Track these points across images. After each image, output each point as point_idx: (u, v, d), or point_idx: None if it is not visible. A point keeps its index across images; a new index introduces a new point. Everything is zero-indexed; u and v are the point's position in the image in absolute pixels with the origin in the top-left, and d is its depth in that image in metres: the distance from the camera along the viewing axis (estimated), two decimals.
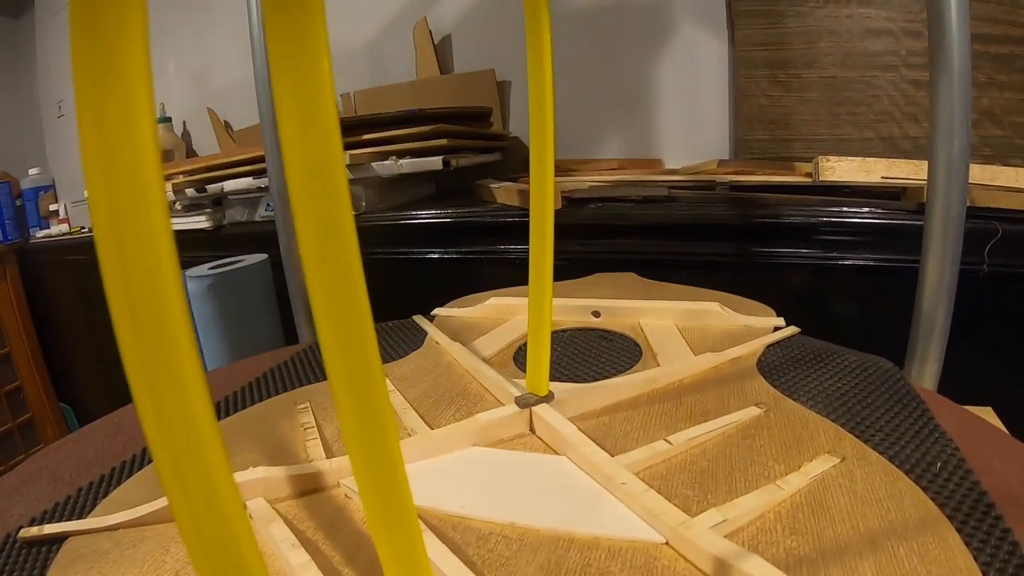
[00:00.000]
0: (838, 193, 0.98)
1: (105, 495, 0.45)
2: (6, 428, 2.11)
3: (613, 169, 1.31)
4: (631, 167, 1.34)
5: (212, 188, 1.41)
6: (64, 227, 2.25)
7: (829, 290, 0.95)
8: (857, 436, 0.43)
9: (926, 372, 0.66)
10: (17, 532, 0.41)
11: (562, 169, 1.29)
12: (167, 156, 2.07)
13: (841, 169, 0.94)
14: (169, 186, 1.49)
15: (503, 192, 1.16)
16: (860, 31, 1.19)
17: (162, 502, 0.40)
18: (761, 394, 0.50)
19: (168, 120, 2.10)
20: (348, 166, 1.15)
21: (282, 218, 0.92)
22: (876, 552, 0.32)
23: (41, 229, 2.30)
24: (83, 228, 2.19)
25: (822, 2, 1.20)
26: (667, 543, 0.34)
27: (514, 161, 1.51)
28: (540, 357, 0.47)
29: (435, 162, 1.14)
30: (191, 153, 2.18)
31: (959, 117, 0.60)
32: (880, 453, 0.41)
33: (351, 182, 1.21)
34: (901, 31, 1.17)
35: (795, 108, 1.23)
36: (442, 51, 1.57)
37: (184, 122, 2.20)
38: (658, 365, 0.56)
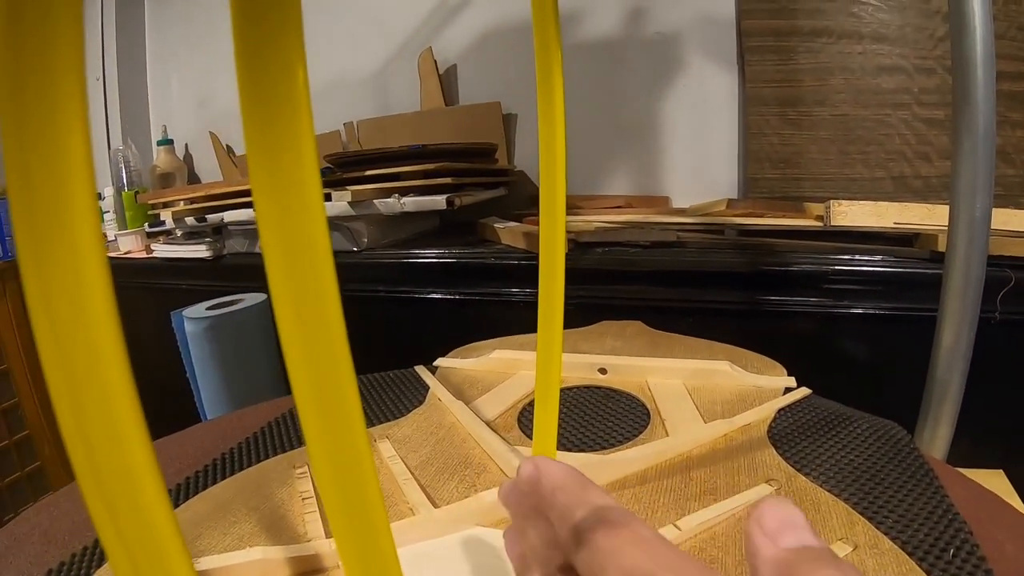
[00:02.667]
0: (849, 237, 0.97)
1: (100, 563, 0.44)
2: (3, 445, 2.10)
3: (619, 207, 1.30)
4: (638, 205, 1.33)
5: (212, 217, 1.40)
6: None
7: (838, 339, 0.94)
8: (870, 518, 0.42)
9: (938, 437, 0.65)
10: None
11: (568, 206, 1.28)
12: (168, 180, 2.06)
13: (853, 214, 0.93)
14: (169, 213, 1.48)
15: (508, 233, 1.15)
16: (872, 68, 1.18)
17: None
18: (772, 468, 0.49)
19: (170, 142, 2.09)
20: (350, 203, 1.14)
21: None
22: None
23: None
24: None
25: (834, 38, 1.19)
26: None
27: (519, 196, 1.51)
28: (548, 432, 0.45)
29: (439, 201, 1.13)
30: (192, 176, 2.18)
31: (982, 180, 0.59)
32: (893, 539, 0.40)
33: (352, 218, 1.19)
34: (914, 68, 1.16)
35: (805, 146, 1.23)
36: (447, 82, 1.57)
37: (186, 144, 2.19)
38: (666, 432, 0.55)
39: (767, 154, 1.27)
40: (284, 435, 0.63)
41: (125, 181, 2.00)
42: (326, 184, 1.12)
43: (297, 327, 0.20)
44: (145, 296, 1.73)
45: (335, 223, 1.17)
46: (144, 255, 1.75)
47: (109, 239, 1.98)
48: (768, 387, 0.63)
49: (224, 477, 0.54)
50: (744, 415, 0.57)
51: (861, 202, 0.94)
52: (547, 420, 0.45)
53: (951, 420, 0.64)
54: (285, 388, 0.79)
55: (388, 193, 1.15)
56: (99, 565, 0.44)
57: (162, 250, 1.60)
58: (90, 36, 2.19)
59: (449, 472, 0.51)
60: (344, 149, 1.54)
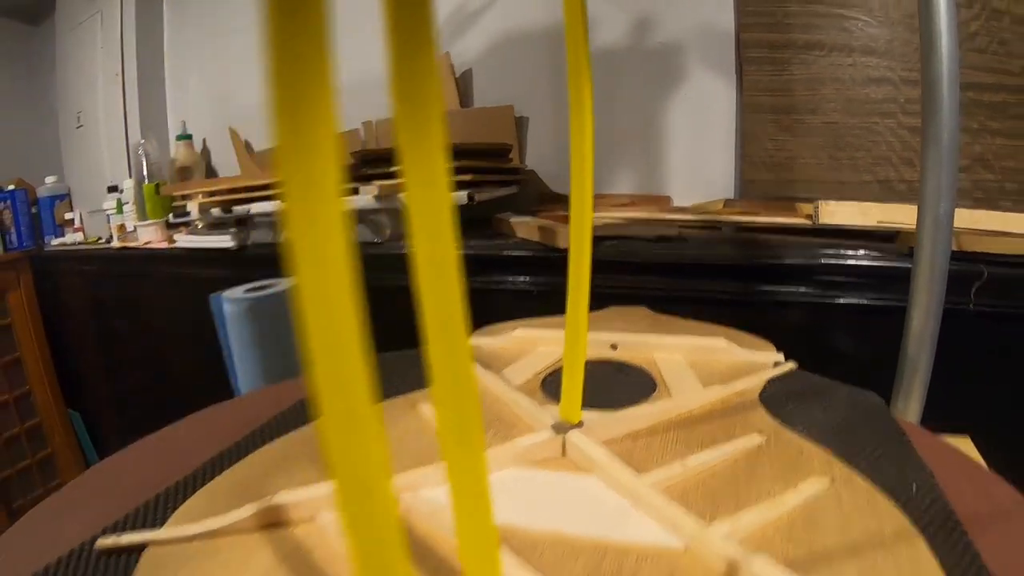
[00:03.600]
0: (836, 235, 1.04)
1: (172, 510, 0.49)
2: (14, 432, 2.15)
3: (624, 205, 1.37)
4: (641, 204, 1.40)
5: (238, 209, 1.46)
6: (79, 236, 2.29)
7: (826, 327, 1.01)
8: (845, 463, 0.50)
9: (910, 407, 0.73)
10: (91, 544, 0.45)
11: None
12: (187, 173, 2.12)
13: (840, 213, 1.01)
14: (196, 204, 1.54)
15: (523, 227, 1.22)
16: (862, 79, 1.25)
17: (235, 515, 0.45)
18: (762, 424, 0.57)
19: (189, 137, 2.15)
20: (375, 196, 1.21)
21: None
22: (859, 559, 0.39)
23: (56, 237, 2.34)
24: (100, 239, 2.22)
25: (826, 51, 1.27)
26: (686, 549, 0.41)
27: (529, 194, 1.57)
28: (574, 389, 0.54)
29: (460, 197, 1.21)
30: (210, 170, 2.24)
31: (946, 184, 0.67)
32: (865, 477, 0.48)
33: (376, 211, 1.27)
34: (900, 79, 1.23)
35: (798, 151, 1.30)
36: (463, 85, 1.64)
37: (204, 140, 2.26)
38: (671, 396, 0.63)
39: (762, 158, 1.34)
40: None
41: (145, 174, 2.07)
42: (352, 179, 1.19)
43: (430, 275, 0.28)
44: (170, 284, 1.80)
45: (360, 215, 1.24)
46: (166, 245, 1.82)
47: (128, 229, 2.05)
48: (760, 361, 0.72)
49: (289, 432, 0.62)
50: (738, 383, 0.65)
51: (848, 202, 1.02)
52: (574, 383, 0.54)
53: (922, 393, 0.72)
54: None
55: None
56: (172, 510, 0.49)
57: (185, 240, 1.67)
58: (110, 34, 2.25)
59: (485, 426, 0.59)
60: (363, 147, 1.61)
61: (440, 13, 1.66)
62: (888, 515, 0.43)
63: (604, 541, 0.42)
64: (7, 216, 2.25)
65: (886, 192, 1.24)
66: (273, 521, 0.46)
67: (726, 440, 0.54)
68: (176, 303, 1.86)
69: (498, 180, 1.41)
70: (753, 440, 0.54)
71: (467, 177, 1.24)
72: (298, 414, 0.67)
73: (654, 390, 0.66)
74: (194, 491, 0.51)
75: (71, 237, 2.29)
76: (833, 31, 1.27)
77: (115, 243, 2.04)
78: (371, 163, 1.24)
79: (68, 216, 2.37)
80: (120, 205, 2.09)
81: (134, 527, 0.47)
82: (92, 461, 2.37)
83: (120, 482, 0.57)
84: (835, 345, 1.00)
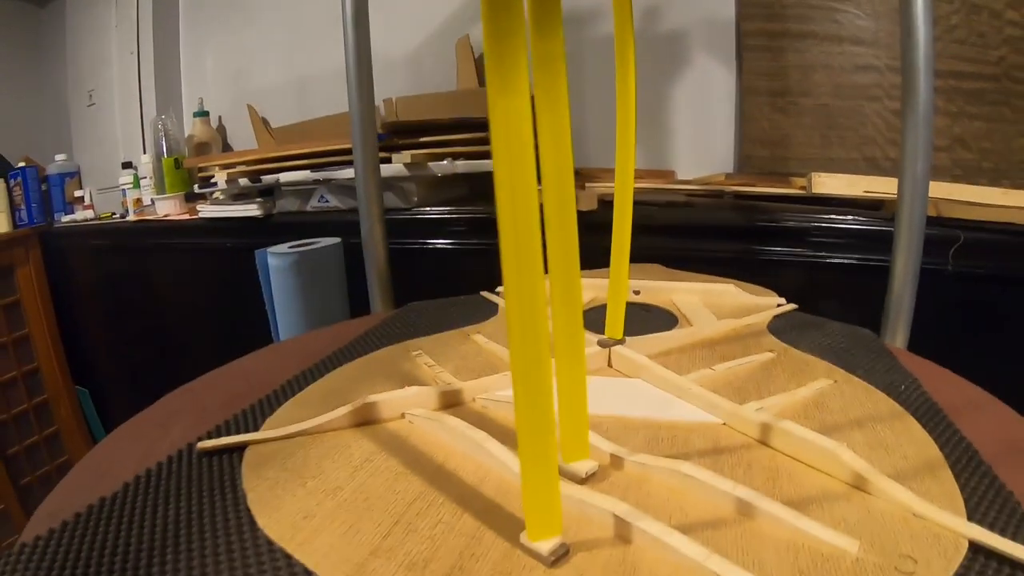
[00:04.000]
0: (827, 204, 1.15)
1: (262, 420, 0.56)
2: (22, 409, 2.15)
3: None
4: (648, 177, 1.50)
5: (267, 178, 1.54)
6: (89, 213, 2.30)
7: (819, 284, 1.13)
8: (846, 371, 0.61)
9: (897, 339, 0.83)
10: (190, 448, 0.51)
11: (590, 176, 1.44)
12: (204, 148, 2.18)
13: (831, 184, 1.11)
14: (224, 175, 1.62)
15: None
16: (850, 66, 1.35)
17: (328, 417, 0.54)
18: (772, 345, 0.68)
19: (206, 114, 2.21)
20: (406, 164, 1.30)
21: (366, 206, 1.07)
22: (863, 430, 0.49)
23: (66, 214, 2.35)
24: (114, 214, 2.25)
25: (819, 40, 1.36)
26: (725, 424, 0.51)
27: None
28: (617, 312, 0.64)
29: (487, 164, 1.31)
30: (226, 147, 2.30)
31: (923, 145, 0.78)
32: (862, 380, 0.59)
33: (406, 179, 1.36)
34: (885, 67, 1.33)
35: (792, 131, 1.40)
36: (480, 65, 1.70)
37: (220, 117, 2.31)
38: (692, 327, 0.74)
39: (759, 136, 1.44)
40: (390, 335, 0.80)
41: (164, 149, 2.14)
42: (382, 149, 1.28)
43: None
44: (190, 255, 1.86)
45: (390, 183, 1.34)
46: (187, 217, 1.89)
47: (146, 203, 2.11)
48: (765, 303, 0.83)
49: (355, 359, 0.71)
50: (748, 318, 0.76)
51: (838, 175, 1.12)
52: (618, 307, 0.64)
53: (906, 327, 0.83)
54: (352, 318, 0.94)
55: (442, 157, 1.32)
56: (263, 419, 0.57)
57: (209, 211, 1.73)
58: (125, 14, 2.30)
59: None
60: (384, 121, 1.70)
61: None
62: (883, 402, 0.54)
63: (656, 420, 0.53)
64: (18, 193, 2.25)
65: (872, 168, 1.34)
66: (365, 420, 0.55)
67: (744, 355, 0.65)
68: (193, 276, 1.93)
69: None
70: (766, 356, 0.65)
71: None
72: (361, 345, 0.77)
73: (676, 324, 0.77)
74: (279, 405, 0.60)
75: (81, 214, 2.31)
76: (825, 22, 1.36)
77: (131, 217, 2.09)
78: (401, 134, 1.33)
79: (78, 194, 2.39)
80: (137, 180, 2.14)
81: (232, 432, 0.54)
82: (99, 437, 2.38)
83: (200, 403, 0.64)
84: (827, 300, 1.10)
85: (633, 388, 0.59)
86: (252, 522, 0.41)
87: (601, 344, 0.64)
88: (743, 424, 0.50)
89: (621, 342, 0.64)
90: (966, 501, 0.40)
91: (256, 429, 0.54)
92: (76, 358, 2.34)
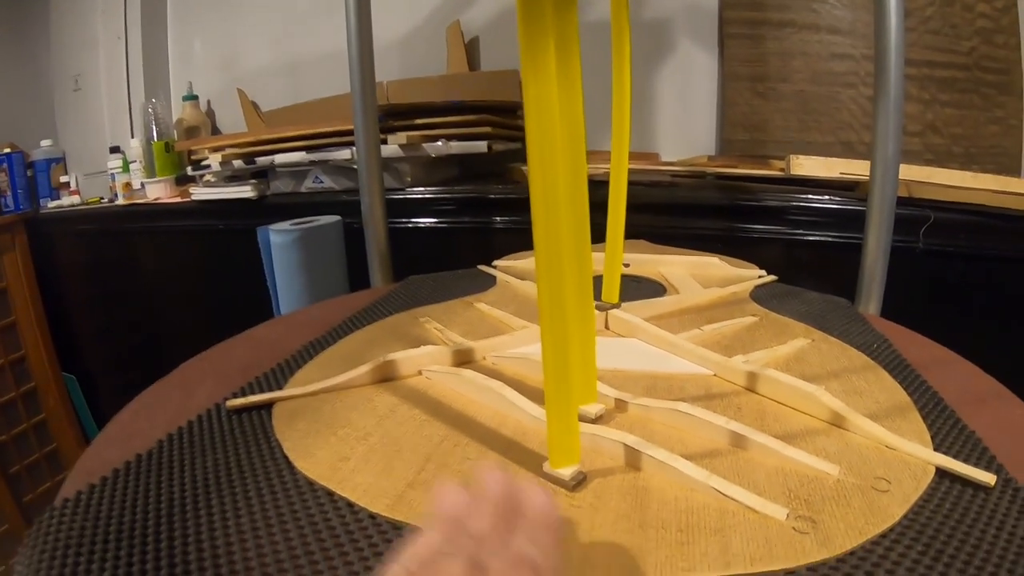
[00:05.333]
0: (805, 185, 1.20)
1: (283, 381, 0.61)
2: (9, 397, 2.13)
3: None
4: (634, 159, 1.53)
5: (262, 160, 1.57)
6: (76, 198, 2.29)
7: (797, 260, 1.19)
8: (823, 332, 0.67)
9: (870, 308, 0.89)
10: (218, 407, 0.55)
11: None
12: (194, 132, 2.20)
13: (808, 165, 1.17)
14: (217, 156, 1.64)
15: None
16: (827, 54, 1.40)
17: (350, 374, 0.58)
18: (755, 311, 0.74)
19: (195, 98, 2.21)
20: (401, 145, 1.35)
21: (366, 185, 1.11)
22: (839, 380, 0.55)
23: (52, 200, 2.34)
24: (102, 199, 2.24)
25: (797, 28, 1.42)
26: (715, 375, 0.57)
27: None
28: (613, 278, 0.69)
29: (480, 146, 1.35)
30: (215, 130, 2.29)
31: (893, 128, 0.83)
32: (838, 339, 0.64)
33: (401, 160, 1.41)
34: (861, 55, 1.38)
35: (771, 116, 1.45)
36: (471, 51, 1.76)
37: (208, 101, 2.32)
38: (680, 295, 0.79)
39: (739, 120, 1.49)
40: (395, 305, 0.85)
41: (155, 133, 2.16)
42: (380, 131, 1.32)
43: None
44: (180, 238, 1.89)
45: (385, 164, 1.38)
46: (178, 199, 1.92)
47: (135, 187, 2.13)
48: (747, 274, 0.88)
49: (366, 326, 0.76)
50: (732, 287, 0.82)
51: (814, 157, 1.18)
52: (613, 274, 0.69)
53: (879, 296, 0.89)
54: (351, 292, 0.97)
55: (435, 139, 1.36)
56: (285, 380, 0.61)
57: (202, 193, 1.75)
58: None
59: (535, 317, 0.75)
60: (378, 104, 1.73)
61: None
62: (856, 358, 0.60)
63: (653, 372, 0.58)
64: (3, 180, 2.23)
65: (847, 152, 1.39)
66: (385, 376, 0.60)
67: (728, 319, 0.70)
68: (183, 259, 1.96)
69: (507, 135, 1.53)
70: (749, 319, 0.70)
71: (486, 129, 1.38)
72: (370, 314, 0.81)
73: (664, 292, 0.82)
74: (298, 367, 0.64)
75: (67, 200, 2.30)
76: (804, 11, 1.41)
77: (120, 201, 2.09)
78: (395, 116, 1.37)
79: (63, 179, 2.39)
80: (126, 163, 2.15)
81: (256, 393, 0.58)
82: (87, 425, 2.39)
83: (220, 367, 0.68)
84: (804, 274, 1.15)
85: (630, 346, 0.64)
86: (290, 465, 0.45)
87: (599, 308, 0.69)
88: (732, 374, 0.55)
89: (617, 306, 0.70)
90: (932, 437, 0.46)
91: (280, 388, 0.59)
92: (63, 345, 2.34)
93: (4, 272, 2.15)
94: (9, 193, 2.25)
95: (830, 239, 1.14)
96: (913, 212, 1.07)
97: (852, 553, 0.34)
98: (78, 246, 2.19)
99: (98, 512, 0.41)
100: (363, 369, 0.59)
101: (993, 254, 1.09)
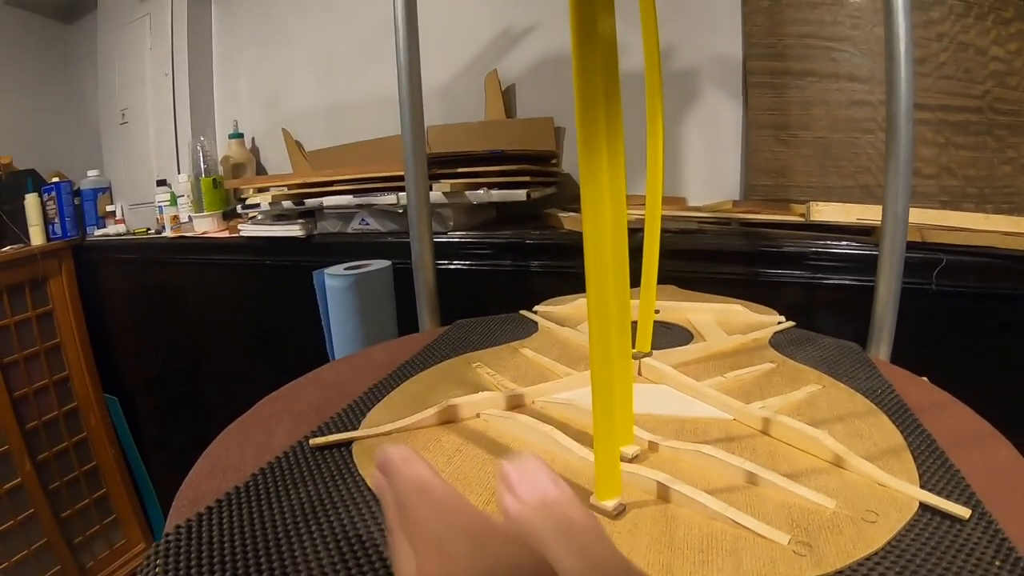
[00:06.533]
0: (824, 229, 1.28)
1: (359, 420, 0.69)
2: (52, 416, 2.22)
3: None
4: (663, 204, 1.61)
5: (310, 202, 1.67)
6: (121, 227, 2.40)
7: (816, 302, 1.26)
8: (832, 378, 0.75)
9: (880, 353, 0.97)
10: (301, 445, 0.63)
11: None
12: (240, 170, 2.29)
13: (827, 211, 1.24)
14: (267, 196, 1.73)
15: (571, 220, 1.47)
16: (846, 102, 1.46)
17: (419, 416, 0.67)
18: (773, 357, 0.82)
19: (240, 136, 2.33)
20: (445, 193, 1.44)
21: (416, 231, 1.19)
22: (843, 423, 0.63)
23: (98, 228, 2.45)
24: (149, 230, 2.34)
25: (818, 77, 1.48)
26: (735, 419, 0.65)
27: (566, 194, 1.78)
28: (647, 329, 0.78)
29: (520, 194, 1.44)
30: (260, 168, 2.41)
31: (903, 187, 0.91)
32: (846, 385, 0.73)
33: (444, 205, 1.50)
34: (878, 101, 1.43)
35: (793, 162, 1.52)
36: (508, 98, 1.85)
37: (253, 138, 2.42)
38: (706, 342, 0.88)
39: (763, 167, 1.56)
40: (447, 349, 0.93)
41: (203, 169, 2.26)
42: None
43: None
44: (227, 271, 1.98)
45: (431, 209, 1.47)
46: (226, 234, 2.01)
47: (183, 220, 2.22)
48: (767, 321, 0.97)
49: (423, 371, 0.84)
50: (753, 334, 0.90)
51: (833, 203, 1.25)
52: (647, 325, 0.78)
53: (889, 341, 0.97)
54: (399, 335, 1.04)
55: (477, 187, 1.46)
56: (360, 419, 0.71)
57: (251, 230, 1.84)
58: (159, 36, 2.38)
59: (576, 360, 0.83)
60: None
61: (488, 34, 1.89)
62: (861, 403, 0.68)
63: (681, 417, 0.67)
64: (51, 208, 2.33)
65: (866, 196, 1.45)
66: (448, 419, 0.69)
67: (749, 366, 0.79)
68: (227, 291, 2.05)
69: (544, 181, 1.62)
70: (767, 366, 0.79)
71: (525, 179, 1.48)
72: (426, 358, 0.90)
73: (692, 339, 0.91)
74: (368, 408, 0.73)
75: (113, 228, 2.41)
76: (824, 61, 1.48)
77: (167, 233, 2.18)
78: (440, 164, 1.46)
79: (109, 208, 2.48)
80: (174, 197, 2.25)
81: (332, 432, 0.66)
82: (127, 444, 2.49)
83: (293, 408, 0.76)
84: (822, 316, 1.23)
85: (661, 392, 0.73)
86: (377, 500, 0.53)
87: (634, 357, 0.78)
88: (749, 419, 0.64)
89: (649, 355, 0.78)
90: (920, 475, 0.54)
91: (355, 428, 0.67)
92: (106, 367, 2.43)
93: (51, 296, 2.26)
94: (57, 220, 2.35)
95: (848, 282, 1.21)
96: (926, 256, 1.14)
97: (841, 572, 0.43)
98: (121, 273, 2.30)
99: (210, 537, 0.49)
100: (430, 412, 0.68)
101: (1002, 294, 1.15)
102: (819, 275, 1.24)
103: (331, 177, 1.62)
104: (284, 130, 2.24)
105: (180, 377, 2.30)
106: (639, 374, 0.78)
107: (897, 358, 0.98)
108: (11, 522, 2.06)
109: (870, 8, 1.43)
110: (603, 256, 0.46)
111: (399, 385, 0.80)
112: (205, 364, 2.21)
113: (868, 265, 1.12)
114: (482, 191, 1.45)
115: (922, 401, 0.70)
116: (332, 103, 2.24)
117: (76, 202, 2.47)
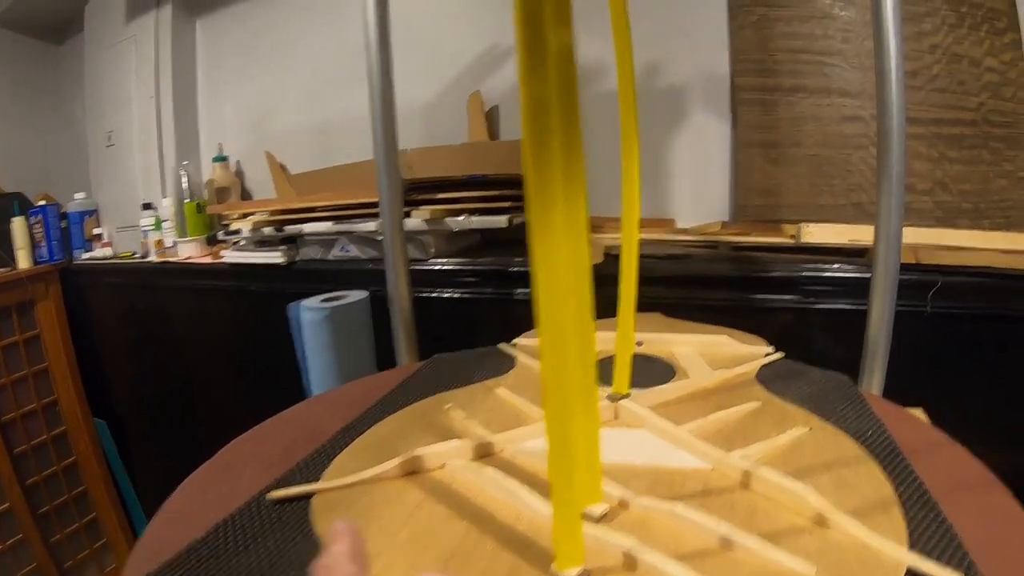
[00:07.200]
0: (815, 252, 1.24)
1: (321, 468, 0.66)
2: (40, 440, 2.23)
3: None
4: (650, 225, 1.59)
5: (290, 228, 1.64)
6: (108, 250, 2.40)
7: (807, 328, 1.23)
8: (820, 418, 0.71)
9: (873, 383, 0.93)
10: (261, 497, 0.60)
11: (596, 225, 1.52)
12: (224, 194, 2.28)
13: (818, 233, 1.21)
14: (248, 223, 1.71)
15: None
16: (837, 117, 1.44)
17: (383, 467, 0.63)
18: (759, 395, 0.78)
19: (225, 159, 2.32)
20: (425, 220, 1.40)
21: (391, 260, 1.15)
22: (830, 473, 0.59)
23: (85, 251, 2.46)
24: (134, 253, 2.35)
25: (808, 93, 1.46)
26: (713, 469, 0.61)
27: None
28: (624, 371, 0.74)
29: (501, 220, 1.41)
30: (244, 192, 2.39)
31: (895, 208, 0.87)
32: (833, 426, 0.69)
33: (424, 232, 1.47)
34: (870, 117, 1.41)
35: (784, 180, 1.49)
36: (490, 118, 1.82)
37: (238, 161, 2.41)
38: (689, 378, 0.84)
39: (753, 186, 1.53)
40: (420, 388, 0.89)
41: (187, 193, 2.24)
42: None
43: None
44: (209, 297, 1.96)
45: (409, 236, 1.44)
46: (208, 260, 1.99)
47: (167, 245, 2.20)
48: (755, 352, 0.92)
49: (393, 413, 0.81)
50: (739, 368, 0.86)
51: (824, 224, 1.22)
52: (624, 366, 0.74)
53: (882, 371, 0.93)
54: (382, 370, 1.03)
55: (457, 213, 1.42)
56: (322, 469, 0.67)
57: (233, 256, 1.82)
58: (144, 59, 2.37)
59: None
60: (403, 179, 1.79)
61: (472, 53, 1.86)
62: (849, 448, 0.64)
63: (657, 467, 0.63)
64: (38, 231, 2.33)
65: (859, 214, 1.43)
66: (412, 470, 0.64)
67: (733, 406, 0.74)
68: (212, 316, 2.03)
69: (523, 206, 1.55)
70: (752, 405, 0.75)
71: (506, 204, 1.44)
72: (398, 397, 0.86)
73: (675, 374, 0.87)
74: (334, 454, 0.69)
75: (100, 251, 2.41)
76: (815, 75, 1.45)
77: (153, 257, 2.18)
78: (418, 190, 1.43)
79: (96, 231, 2.48)
80: (159, 222, 2.23)
81: (294, 483, 0.63)
82: (116, 468, 2.48)
83: (262, 451, 0.73)
84: (814, 342, 1.20)
85: (638, 438, 0.69)
86: None
87: (610, 399, 0.74)
88: (729, 469, 0.60)
89: (627, 396, 0.74)
90: (910, 533, 0.50)
91: (316, 478, 0.64)
92: (94, 391, 2.42)
93: (38, 320, 2.26)
94: (44, 243, 2.34)
95: (840, 307, 1.18)
96: (921, 277, 1.11)
97: None
98: (108, 296, 2.29)
99: None
100: (393, 463, 0.64)
101: (998, 314, 1.12)
102: (810, 299, 1.21)
103: (311, 203, 1.59)
104: (268, 153, 2.22)
105: (170, 401, 2.28)
106: (615, 417, 0.74)
107: (892, 383, 0.95)
108: (1, 547, 2.06)
109: (861, 21, 1.41)
110: (557, 282, 0.42)
111: (368, 428, 0.76)
112: (194, 388, 2.19)
113: (861, 288, 1.09)
114: (463, 217, 1.42)
115: (915, 442, 0.66)
116: (317, 125, 2.22)
117: (63, 225, 2.46)
